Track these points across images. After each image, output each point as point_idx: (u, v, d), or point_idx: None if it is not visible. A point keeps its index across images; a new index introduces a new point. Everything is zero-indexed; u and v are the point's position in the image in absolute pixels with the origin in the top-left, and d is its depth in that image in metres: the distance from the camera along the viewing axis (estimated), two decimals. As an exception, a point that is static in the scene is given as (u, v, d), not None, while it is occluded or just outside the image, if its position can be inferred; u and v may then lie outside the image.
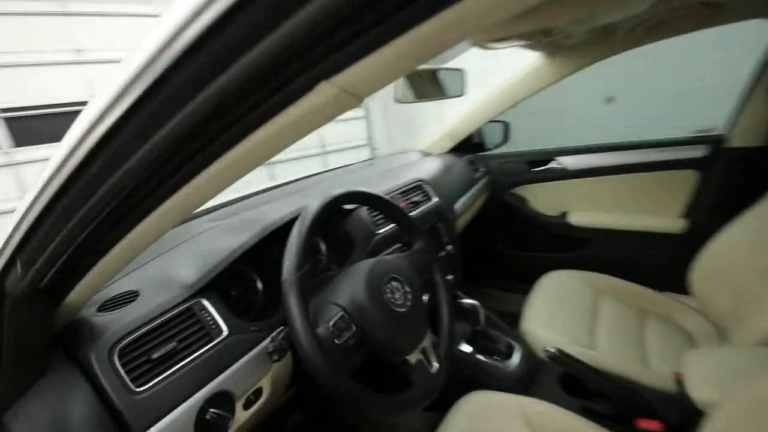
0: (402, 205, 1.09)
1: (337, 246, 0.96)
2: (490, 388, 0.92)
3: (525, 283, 1.42)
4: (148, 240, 0.42)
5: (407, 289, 0.70)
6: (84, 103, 0.32)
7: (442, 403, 1.13)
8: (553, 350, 0.92)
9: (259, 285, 0.81)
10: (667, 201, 1.49)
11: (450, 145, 1.72)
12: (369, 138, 6.05)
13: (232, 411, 0.60)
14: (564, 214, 1.63)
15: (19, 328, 0.46)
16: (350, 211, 0.96)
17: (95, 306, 0.60)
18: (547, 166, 1.64)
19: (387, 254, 0.92)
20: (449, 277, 1.17)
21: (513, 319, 1.26)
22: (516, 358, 1.06)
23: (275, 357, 0.64)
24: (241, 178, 0.35)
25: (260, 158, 0.33)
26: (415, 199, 1.15)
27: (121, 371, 0.52)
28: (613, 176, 1.54)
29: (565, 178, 1.61)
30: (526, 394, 0.98)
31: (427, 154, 1.74)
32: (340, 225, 0.95)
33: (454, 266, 1.23)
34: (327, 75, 0.25)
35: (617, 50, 1.25)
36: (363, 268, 0.68)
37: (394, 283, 0.68)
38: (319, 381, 0.54)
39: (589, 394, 0.98)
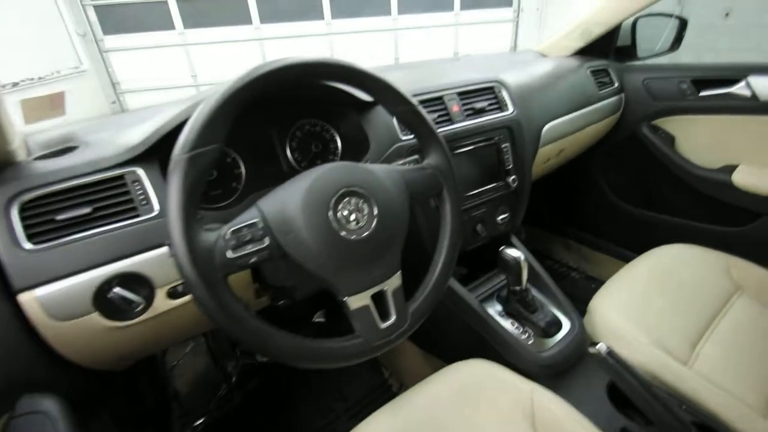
0: (455, 109, 0.82)
1: (351, 144, 0.78)
2: (507, 366, 0.70)
3: (633, 250, 1.03)
4: None
5: (373, 210, 0.49)
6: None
7: (449, 355, 0.95)
8: (598, 349, 0.63)
9: (242, 170, 0.70)
10: None
11: (577, 45, 1.24)
12: (514, 46, 5.16)
13: (149, 298, 0.54)
14: (728, 169, 1.09)
15: None
16: (372, 104, 0.74)
17: (34, 155, 0.57)
18: (727, 90, 1.06)
19: (400, 164, 0.70)
20: (502, 217, 0.90)
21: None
22: (557, 340, 0.79)
23: None
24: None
25: None
26: (480, 104, 0.84)
27: (15, 223, 0.48)
28: None
29: (749, 113, 1.03)
30: (560, 389, 0.74)
31: (544, 55, 1.31)
32: (355, 119, 0.75)
33: (514, 205, 0.93)
34: None
35: None
36: (314, 171, 0.49)
37: (352, 199, 0.48)
38: (197, 305, 0.42)
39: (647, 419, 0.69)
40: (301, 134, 0.76)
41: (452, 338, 0.91)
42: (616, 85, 1.20)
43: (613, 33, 1.23)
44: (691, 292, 0.90)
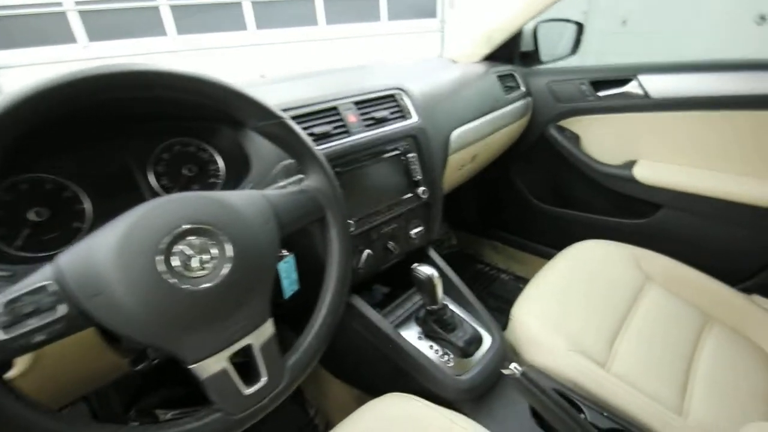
0: (352, 119, 0.75)
1: (235, 164, 0.68)
2: (428, 396, 0.64)
3: (554, 248, 1.04)
4: None
5: (226, 250, 0.40)
6: None
7: (371, 387, 0.88)
8: (513, 370, 0.58)
9: (86, 206, 0.57)
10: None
11: (484, 51, 1.24)
12: (441, 54, 5.31)
13: None
14: (629, 165, 1.14)
15: None
16: None
17: None
18: (622, 89, 1.11)
19: (281, 186, 0.61)
20: (416, 231, 0.85)
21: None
22: (478, 358, 0.75)
23: None
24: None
25: None
26: (380, 113, 0.78)
27: None
28: (722, 112, 0.99)
29: (645, 111, 1.09)
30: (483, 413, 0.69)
31: (455, 62, 1.29)
32: (232, 135, 0.66)
33: (427, 217, 0.88)
34: None
35: None
36: (138, 209, 0.39)
37: (194, 240, 0.39)
38: None
39: None
40: (170, 156, 0.65)
41: (371, 369, 0.83)
42: (523, 89, 1.22)
43: (515, 39, 1.25)
44: (605, 288, 0.91)
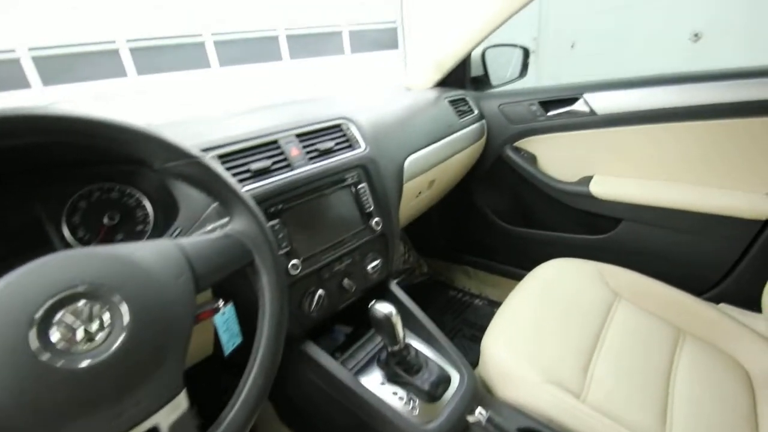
0: (294, 153, 0.71)
1: (164, 209, 0.62)
2: None
3: (524, 269, 1.01)
4: None
5: (122, 314, 0.34)
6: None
7: None
8: (478, 416, 0.53)
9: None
10: (750, 167, 0.96)
11: (435, 77, 1.25)
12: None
13: None
14: (585, 181, 1.14)
15: None
16: None
17: None
18: (569, 108, 1.13)
19: (206, 232, 0.55)
20: (373, 265, 0.80)
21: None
22: (446, 401, 0.69)
23: None
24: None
25: None
26: (325, 144, 0.75)
27: None
28: (665, 125, 1.01)
29: (593, 127, 1.10)
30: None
31: (409, 89, 1.30)
32: (155, 178, 0.60)
33: (384, 250, 0.84)
34: None
35: None
36: (10, 275, 0.33)
37: (80, 306, 0.33)
38: None
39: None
40: (88, 204, 0.58)
41: (330, 422, 0.76)
42: (476, 112, 1.22)
43: (464, 64, 1.27)
44: (575, 309, 0.88)
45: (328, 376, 0.68)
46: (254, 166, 0.65)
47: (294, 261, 0.65)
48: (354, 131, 0.82)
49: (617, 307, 0.91)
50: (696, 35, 2.71)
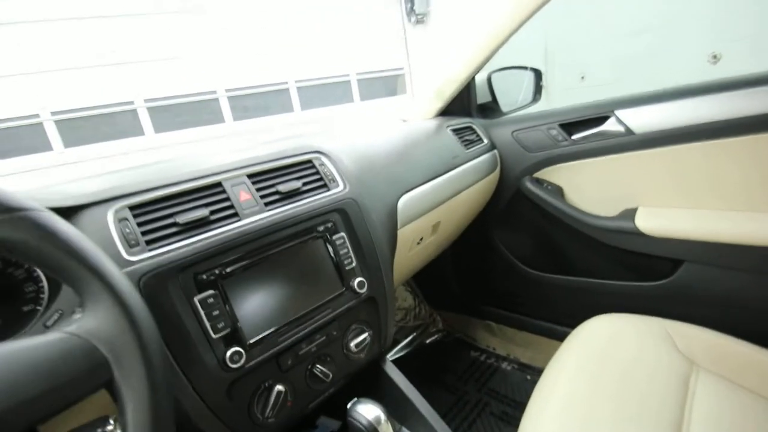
0: (243, 197, 0.54)
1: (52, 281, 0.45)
2: None
3: (559, 324, 0.78)
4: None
5: None
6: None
7: None
8: None
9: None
10: None
11: (436, 106, 1.10)
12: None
13: None
14: (629, 214, 0.93)
15: None
16: None
17: None
18: (599, 129, 0.94)
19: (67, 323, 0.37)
20: (358, 341, 0.60)
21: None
22: None
23: None
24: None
25: None
26: (289, 185, 0.58)
27: None
28: (720, 141, 0.81)
29: (631, 150, 0.91)
30: None
31: (404, 121, 1.15)
32: None
33: (374, 319, 0.63)
34: None
35: None
36: None
37: None
38: None
39: None
40: None
41: None
42: (486, 141, 1.05)
43: (468, 91, 1.12)
44: (642, 387, 0.64)
45: None
46: (183, 218, 0.48)
47: (235, 348, 0.46)
48: (330, 167, 0.65)
49: (697, 382, 0.67)
50: (715, 57, 2.54)
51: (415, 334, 1.38)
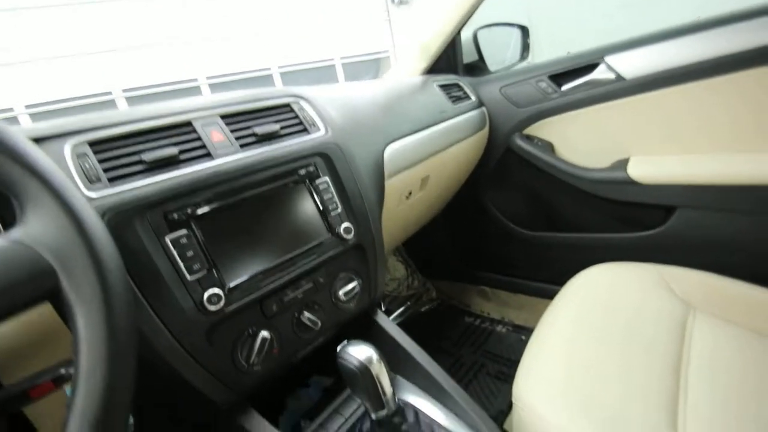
0: (216, 138, 0.50)
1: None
2: None
3: (554, 283, 0.77)
4: None
5: None
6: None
7: None
8: None
9: None
10: None
11: (422, 65, 1.06)
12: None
13: None
14: (621, 164, 0.91)
15: None
16: None
17: None
18: (589, 77, 0.92)
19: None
20: (347, 290, 0.57)
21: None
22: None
23: None
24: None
25: None
26: (266, 127, 0.54)
27: None
28: (718, 78, 0.79)
29: (622, 96, 0.88)
30: None
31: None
32: None
33: (363, 267, 0.61)
34: None
35: None
36: None
37: None
38: None
39: None
40: None
41: None
42: (473, 98, 1.02)
43: (454, 48, 1.08)
44: (638, 331, 0.63)
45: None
46: (150, 156, 0.44)
47: (213, 290, 0.43)
48: (309, 111, 0.61)
49: (694, 324, 0.66)
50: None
51: (408, 303, 1.37)
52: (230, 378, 0.45)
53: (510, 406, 0.60)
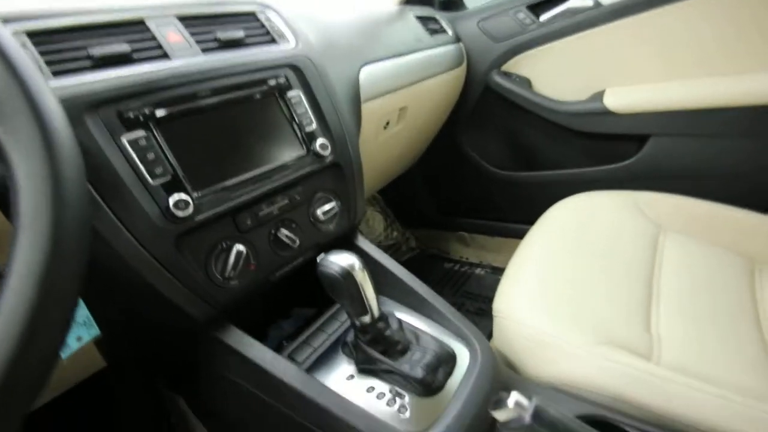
0: (172, 38, 0.46)
1: None
2: None
3: (530, 223, 0.78)
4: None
5: None
6: None
7: None
8: (510, 410, 0.28)
9: None
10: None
11: (396, -2, 1.01)
12: None
13: None
14: (598, 96, 0.91)
15: None
16: None
17: None
18: (566, 6, 0.90)
19: None
20: (325, 209, 0.55)
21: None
22: (452, 392, 0.44)
23: None
24: None
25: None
26: (229, 33, 0.50)
27: None
28: (689, 0, 0.78)
29: (600, 24, 0.87)
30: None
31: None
32: None
33: (342, 187, 0.59)
34: None
35: None
36: None
37: None
38: None
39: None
40: None
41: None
42: (450, 33, 0.98)
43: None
44: (612, 250, 0.65)
45: (262, 375, 0.43)
46: (99, 51, 0.39)
47: (179, 196, 0.40)
48: (277, 22, 0.57)
49: (665, 242, 0.68)
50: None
51: (388, 254, 1.36)
52: (205, 291, 0.43)
53: (490, 334, 0.61)
